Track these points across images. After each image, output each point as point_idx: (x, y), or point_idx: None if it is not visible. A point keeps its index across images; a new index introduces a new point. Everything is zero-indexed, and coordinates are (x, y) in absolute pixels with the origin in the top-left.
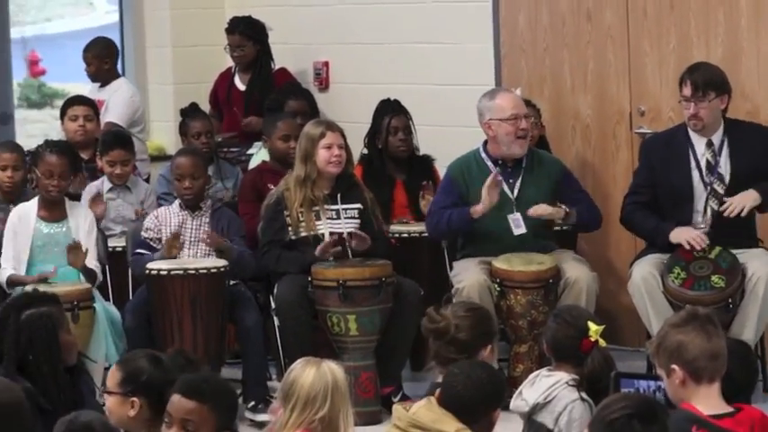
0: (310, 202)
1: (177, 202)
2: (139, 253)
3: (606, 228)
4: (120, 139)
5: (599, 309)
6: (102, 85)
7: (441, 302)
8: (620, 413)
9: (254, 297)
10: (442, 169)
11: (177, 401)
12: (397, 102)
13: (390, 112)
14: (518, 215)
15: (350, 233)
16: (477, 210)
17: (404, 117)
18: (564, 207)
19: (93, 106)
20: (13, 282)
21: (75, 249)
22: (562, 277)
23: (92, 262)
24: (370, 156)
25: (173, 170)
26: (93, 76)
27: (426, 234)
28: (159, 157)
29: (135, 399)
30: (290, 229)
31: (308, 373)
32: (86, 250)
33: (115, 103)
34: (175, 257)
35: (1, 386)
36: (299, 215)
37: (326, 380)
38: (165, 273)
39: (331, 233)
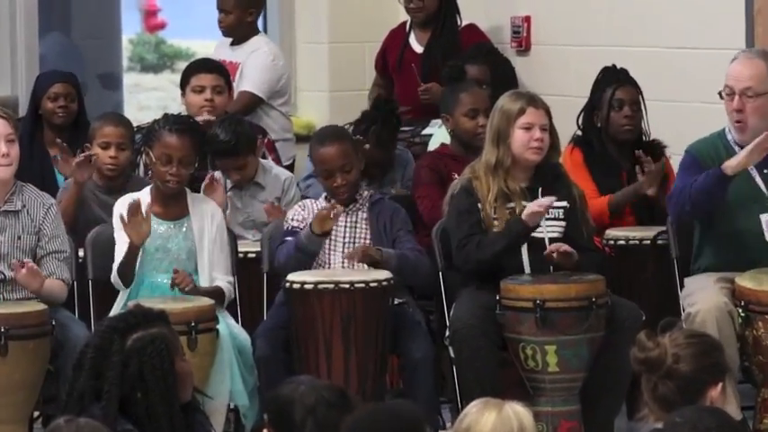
0: (504, 197)
1: (324, 194)
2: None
3: None
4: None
5: None
6: (236, 43)
7: (656, 328)
8: None
9: (425, 320)
10: (675, 159)
11: None
12: (624, 71)
13: (615, 83)
14: None
15: (554, 243)
16: (731, 164)
17: (632, 89)
18: None
19: (224, 74)
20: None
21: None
22: None
23: (221, 277)
24: (586, 137)
25: (315, 162)
26: (229, 30)
27: (649, 242)
28: (309, 138)
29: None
30: (483, 225)
31: (486, 419)
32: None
33: (253, 66)
34: (328, 234)
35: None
36: (494, 210)
37: (511, 427)
38: (310, 286)
39: (530, 240)
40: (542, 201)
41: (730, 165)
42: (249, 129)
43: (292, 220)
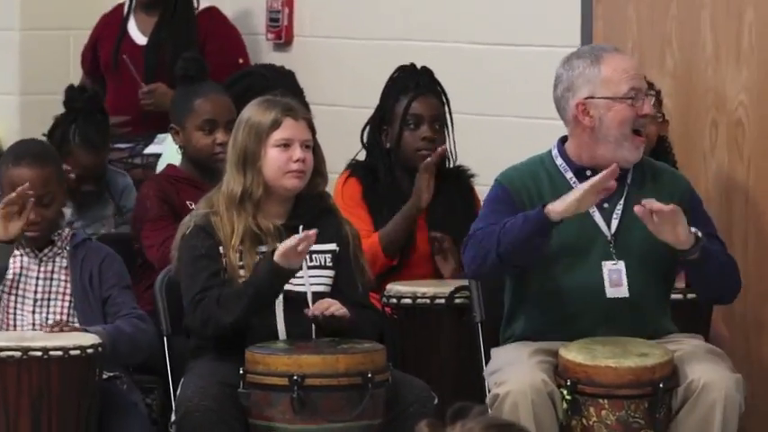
0: (254, 238)
1: None
2: None
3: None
4: None
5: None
6: None
7: (447, 416)
8: None
9: (142, 401)
10: (485, 191)
11: None
12: (426, 73)
13: (413, 91)
14: (619, 264)
15: (320, 301)
16: (558, 208)
17: (435, 101)
18: (695, 230)
19: None
20: None
21: None
22: (681, 381)
23: None
24: (370, 162)
25: (4, 186)
26: None
27: (444, 301)
28: None
29: None
30: (225, 276)
31: None
32: None
33: None
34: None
35: None
36: (239, 255)
37: None
38: None
39: (287, 294)
40: (302, 235)
41: (556, 209)
42: None
43: None
